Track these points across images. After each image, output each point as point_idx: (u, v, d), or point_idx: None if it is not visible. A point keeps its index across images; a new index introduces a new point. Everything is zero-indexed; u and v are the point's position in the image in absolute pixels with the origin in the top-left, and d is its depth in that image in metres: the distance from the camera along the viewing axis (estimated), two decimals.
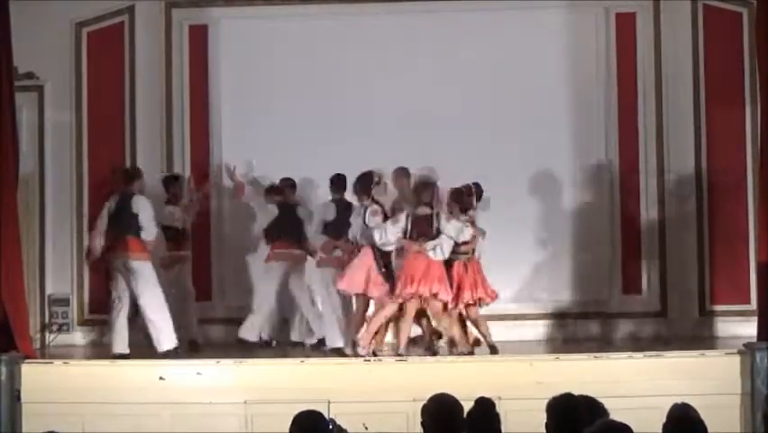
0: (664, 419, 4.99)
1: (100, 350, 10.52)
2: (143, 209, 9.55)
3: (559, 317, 10.94)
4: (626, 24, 11.18)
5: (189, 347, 10.11)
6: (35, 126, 11.19)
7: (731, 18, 10.99)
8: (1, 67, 9.26)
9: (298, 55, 11.19)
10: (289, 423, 5.11)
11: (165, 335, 9.48)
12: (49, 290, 11.16)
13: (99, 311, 10.99)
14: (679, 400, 5.16)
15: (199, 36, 11.37)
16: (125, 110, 11.27)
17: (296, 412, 5.18)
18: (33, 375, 8.98)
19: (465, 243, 9.29)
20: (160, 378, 8.94)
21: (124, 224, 9.56)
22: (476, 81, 11.04)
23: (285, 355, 9.87)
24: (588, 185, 11.18)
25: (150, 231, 9.55)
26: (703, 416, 4.92)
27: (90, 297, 11.16)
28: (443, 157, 10.31)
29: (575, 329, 10.93)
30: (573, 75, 11.17)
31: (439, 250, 9.19)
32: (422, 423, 5.13)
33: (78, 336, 11.13)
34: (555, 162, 11.05)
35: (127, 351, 9.55)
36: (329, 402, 8.37)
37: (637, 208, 11.07)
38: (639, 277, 11.08)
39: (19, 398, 8.89)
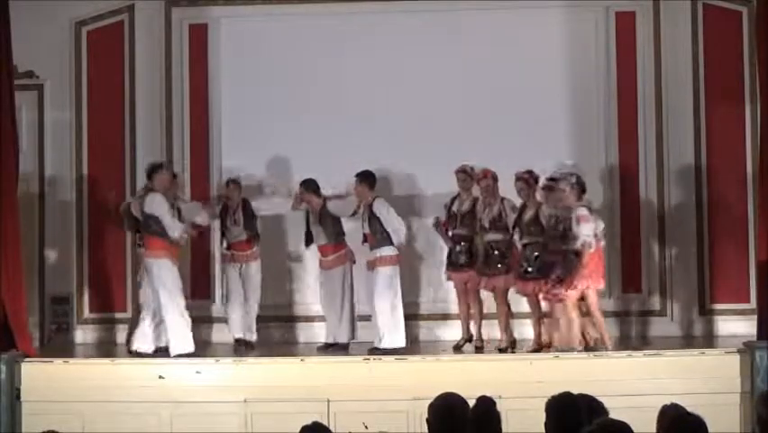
0: (658, 422, 5.00)
1: (100, 349, 10.53)
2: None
3: None
4: (625, 24, 11.17)
5: (237, 346, 10.11)
6: (35, 125, 11.16)
7: (731, 17, 10.98)
8: (1, 66, 9.27)
9: (298, 54, 11.18)
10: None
11: (178, 338, 9.31)
12: (49, 290, 11.14)
13: (99, 310, 11.01)
14: (670, 401, 5.20)
15: (199, 35, 11.35)
16: (125, 109, 11.25)
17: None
18: (33, 374, 8.99)
19: None
20: (160, 377, 8.95)
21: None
22: (476, 80, 11.02)
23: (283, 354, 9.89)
24: (587, 184, 11.14)
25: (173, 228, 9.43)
26: (702, 415, 4.92)
27: (90, 296, 11.15)
28: (443, 157, 10.32)
29: None
30: (573, 74, 11.15)
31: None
32: (427, 420, 5.17)
33: (78, 336, 11.12)
34: (555, 162, 11.01)
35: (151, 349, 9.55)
36: (329, 401, 8.41)
37: (637, 207, 11.06)
38: (639, 276, 11.07)
39: (19, 397, 8.90)
